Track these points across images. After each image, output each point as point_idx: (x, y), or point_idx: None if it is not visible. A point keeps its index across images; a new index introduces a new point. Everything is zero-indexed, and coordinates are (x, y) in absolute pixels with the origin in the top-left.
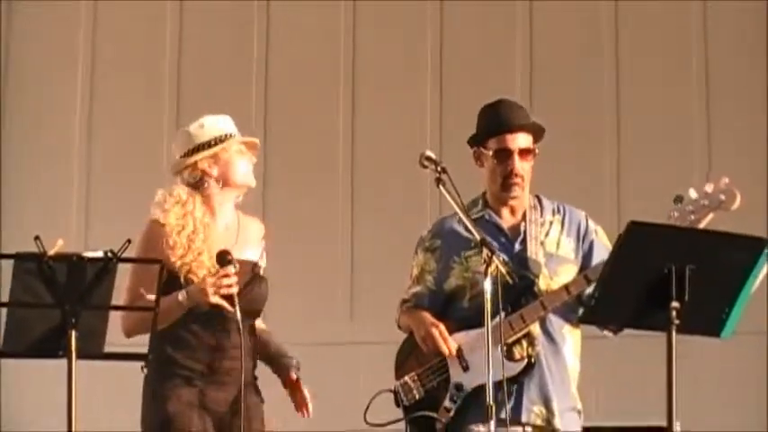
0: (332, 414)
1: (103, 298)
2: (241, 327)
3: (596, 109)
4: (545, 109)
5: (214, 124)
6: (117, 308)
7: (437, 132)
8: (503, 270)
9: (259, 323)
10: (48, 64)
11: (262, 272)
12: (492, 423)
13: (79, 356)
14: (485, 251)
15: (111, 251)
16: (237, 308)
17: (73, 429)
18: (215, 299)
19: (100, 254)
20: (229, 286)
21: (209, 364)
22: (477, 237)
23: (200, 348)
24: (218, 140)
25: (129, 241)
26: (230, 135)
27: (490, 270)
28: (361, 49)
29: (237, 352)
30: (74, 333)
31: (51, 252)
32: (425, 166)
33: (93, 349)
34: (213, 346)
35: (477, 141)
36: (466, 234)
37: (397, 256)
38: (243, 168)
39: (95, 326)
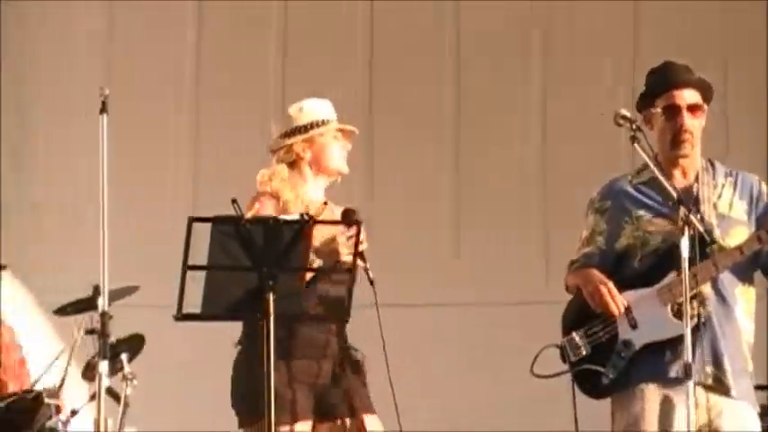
0: (503, 370)
1: (299, 260)
2: (373, 283)
3: None
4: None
5: (313, 108)
6: (313, 270)
7: (630, 93)
8: (700, 229)
9: None
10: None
11: None
12: (691, 383)
13: (277, 318)
14: (682, 210)
15: (308, 214)
16: (369, 263)
17: (271, 395)
18: (348, 257)
19: (296, 216)
20: (360, 243)
21: (303, 338)
22: (675, 195)
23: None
24: (315, 125)
25: (326, 203)
26: (327, 120)
27: (681, 230)
28: None
29: (330, 325)
30: (271, 295)
31: (248, 215)
32: (620, 125)
33: (289, 310)
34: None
35: (645, 103)
36: (636, 194)
37: None
38: (336, 154)
39: (292, 287)
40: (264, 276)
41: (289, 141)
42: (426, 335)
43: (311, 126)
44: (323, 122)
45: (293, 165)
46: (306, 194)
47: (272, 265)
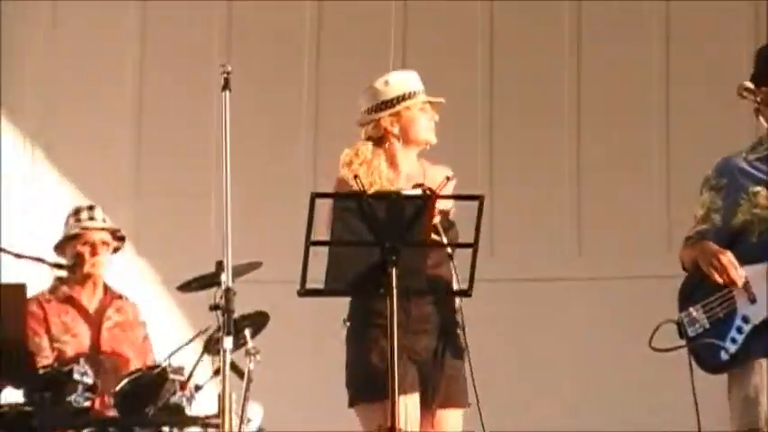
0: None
1: (422, 235)
2: (452, 257)
3: None
4: None
5: (398, 81)
6: (435, 244)
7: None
8: None
9: None
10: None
11: (451, 216)
12: None
13: (399, 294)
14: None
15: (430, 188)
16: (443, 237)
17: (395, 371)
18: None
19: (418, 191)
20: (434, 216)
21: (406, 312)
22: None
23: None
24: (402, 99)
25: (448, 178)
26: (414, 93)
27: None
28: None
29: (433, 300)
30: (394, 270)
31: (370, 191)
32: (744, 97)
33: (412, 285)
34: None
35: (759, 83)
36: (752, 170)
37: None
38: (424, 126)
39: (415, 262)
40: (387, 251)
41: (376, 116)
42: (545, 309)
43: (398, 100)
44: (410, 95)
45: (381, 140)
46: (383, 176)
47: (395, 240)
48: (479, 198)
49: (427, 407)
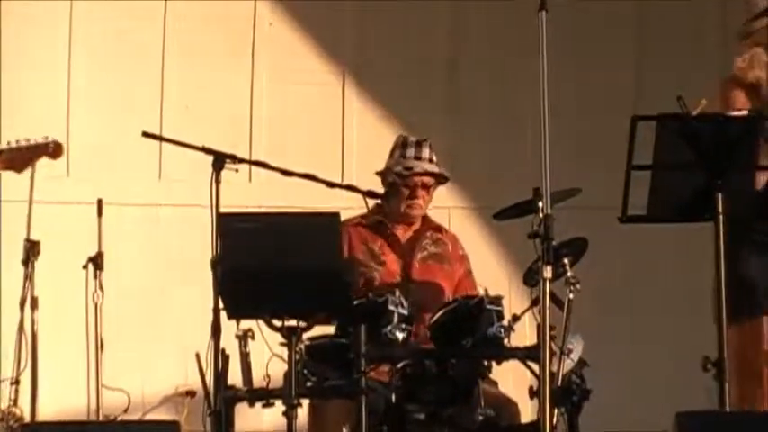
0: None
1: (748, 156)
2: None
3: None
4: None
5: None
6: (765, 168)
7: None
8: None
9: None
10: None
11: None
12: None
13: (726, 218)
14: None
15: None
16: None
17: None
18: None
19: (744, 112)
20: None
21: None
22: None
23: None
24: None
25: None
26: None
27: None
28: None
29: None
30: (720, 195)
31: (694, 112)
32: None
33: (739, 210)
34: None
35: None
36: None
37: None
38: None
39: (741, 186)
40: (713, 175)
41: (758, 25)
42: None
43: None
44: None
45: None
46: None
47: (721, 162)
48: None
49: None
